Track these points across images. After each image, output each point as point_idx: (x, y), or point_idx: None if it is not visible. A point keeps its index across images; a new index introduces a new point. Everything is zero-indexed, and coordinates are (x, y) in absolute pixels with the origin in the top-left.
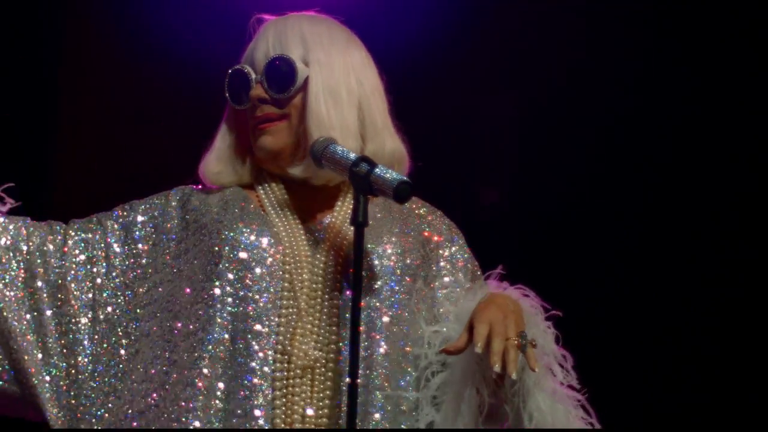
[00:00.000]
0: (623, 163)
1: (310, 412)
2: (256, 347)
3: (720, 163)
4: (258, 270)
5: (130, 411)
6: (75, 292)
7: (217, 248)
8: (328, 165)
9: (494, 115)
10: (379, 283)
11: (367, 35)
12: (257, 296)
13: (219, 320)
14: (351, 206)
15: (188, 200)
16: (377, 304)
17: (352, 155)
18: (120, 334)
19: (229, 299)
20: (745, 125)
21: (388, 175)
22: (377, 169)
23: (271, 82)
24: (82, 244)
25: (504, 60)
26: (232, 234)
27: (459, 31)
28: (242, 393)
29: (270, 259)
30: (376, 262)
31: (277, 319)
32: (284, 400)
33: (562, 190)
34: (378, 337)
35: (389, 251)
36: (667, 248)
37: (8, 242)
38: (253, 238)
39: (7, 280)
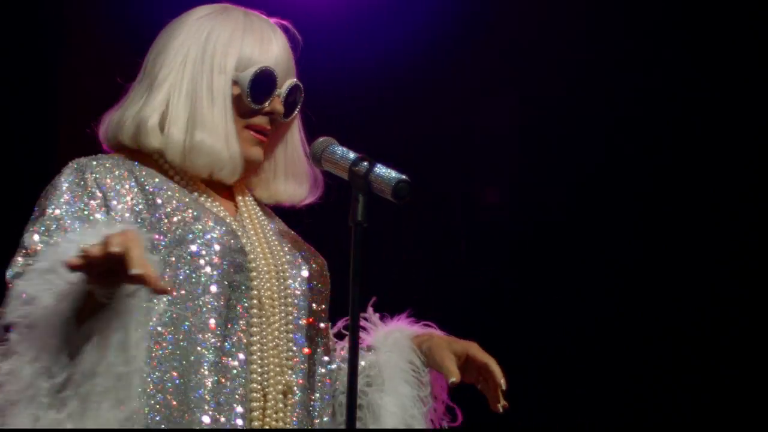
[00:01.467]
0: (624, 163)
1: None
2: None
3: (722, 164)
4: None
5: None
6: None
7: (191, 235)
8: (328, 165)
9: (495, 116)
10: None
11: (368, 35)
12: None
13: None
14: (252, 206)
15: (134, 170)
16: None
17: (352, 155)
18: None
19: (215, 287)
20: (746, 130)
21: (387, 174)
22: (377, 168)
23: (288, 104)
24: None
25: (505, 60)
26: (200, 226)
27: (460, 32)
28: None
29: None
30: (299, 282)
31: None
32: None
33: (562, 191)
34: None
35: (308, 272)
36: (668, 248)
37: None
38: (218, 228)
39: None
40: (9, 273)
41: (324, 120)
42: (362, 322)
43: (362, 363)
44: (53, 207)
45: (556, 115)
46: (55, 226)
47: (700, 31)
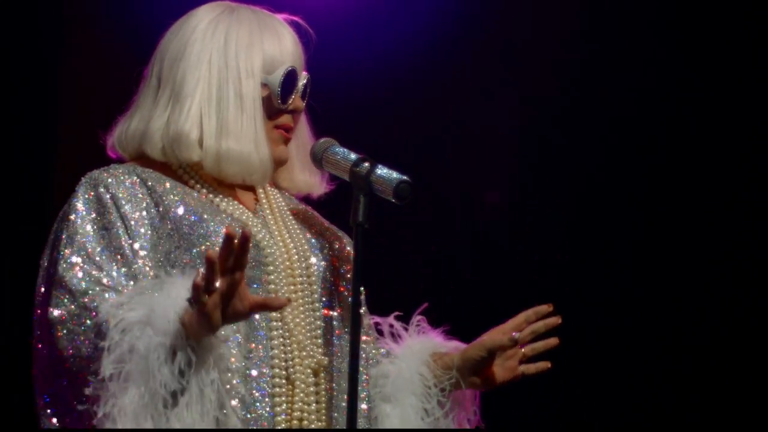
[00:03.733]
0: (624, 163)
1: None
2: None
3: (717, 164)
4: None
5: None
6: None
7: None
8: (329, 166)
9: (495, 116)
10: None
11: (368, 35)
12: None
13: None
14: (273, 197)
15: (146, 178)
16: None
17: (353, 155)
18: None
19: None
20: (740, 129)
21: (388, 175)
22: (378, 169)
23: (304, 97)
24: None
25: (505, 61)
26: (212, 226)
27: (459, 32)
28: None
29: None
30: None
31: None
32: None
33: (563, 191)
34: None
35: (331, 256)
36: (668, 248)
37: None
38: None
39: None
40: (54, 313)
41: (324, 120)
42: (395, 329)
43: (378, 370)
44: (78, 236)
45: (557, 116)
46: (88, 262)
47: (694, 31)
